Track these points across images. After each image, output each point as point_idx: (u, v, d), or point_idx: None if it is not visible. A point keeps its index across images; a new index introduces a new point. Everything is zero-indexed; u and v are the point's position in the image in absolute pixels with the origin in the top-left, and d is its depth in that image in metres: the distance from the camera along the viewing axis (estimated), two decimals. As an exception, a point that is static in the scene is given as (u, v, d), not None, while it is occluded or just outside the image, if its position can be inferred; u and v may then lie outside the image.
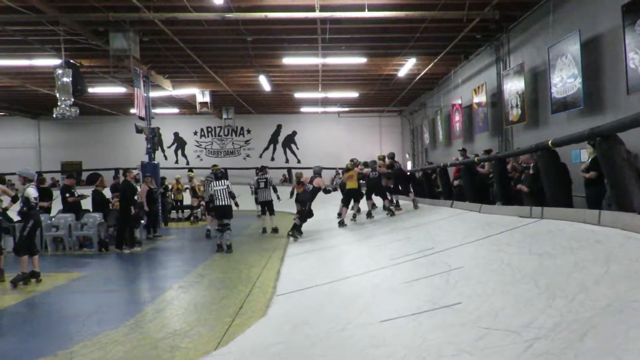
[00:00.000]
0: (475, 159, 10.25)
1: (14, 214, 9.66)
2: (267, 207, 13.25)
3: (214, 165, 13.54)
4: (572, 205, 6.87)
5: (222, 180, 10.63)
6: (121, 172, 11.21)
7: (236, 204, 10.73)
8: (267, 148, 27.35)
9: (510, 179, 9.05)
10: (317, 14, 10.61)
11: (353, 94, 20.96)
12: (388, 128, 27.15)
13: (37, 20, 10.74)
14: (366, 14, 10.56)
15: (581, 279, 3.39)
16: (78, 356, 4.38)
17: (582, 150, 8.73)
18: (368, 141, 26.43)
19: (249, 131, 27.37)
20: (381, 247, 7.83)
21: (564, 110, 9.57)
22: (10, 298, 6.77)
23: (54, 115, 11.87)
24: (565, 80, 9.39)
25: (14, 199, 8.06)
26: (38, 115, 25.22)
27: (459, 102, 16.24)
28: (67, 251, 10.83)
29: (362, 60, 15.07)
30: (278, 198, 13.61)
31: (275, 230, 13.00)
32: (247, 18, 10.97)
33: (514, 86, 11.84)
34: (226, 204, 10.43)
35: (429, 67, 15.87)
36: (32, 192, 7.67)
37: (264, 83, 17.34)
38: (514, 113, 11.87)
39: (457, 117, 16.58)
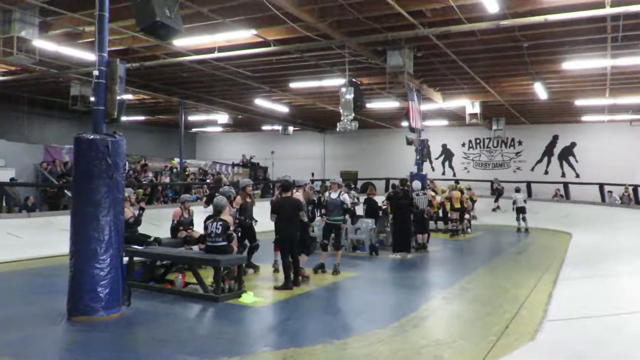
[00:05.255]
0: None
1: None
2: None
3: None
4: None
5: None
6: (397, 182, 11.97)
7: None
8: (540, 161, 25.33)
9: None
10: (607, 10, 9.35)
11: (651, 99, 17.87)
12: (701, 138, 22.28)
13: (327, 46, 12.18)
14: (673, 4, 8.91)
15: None
16: (351, 348, 4.80)
17: None
18: (671, 154, 22.22)
19: (520, 142, 25.81)
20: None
21: None
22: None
23: (337, 129, 13.30)
24: None
25: None
26: (324, 129, 28.58)
27: None
28: (343, 252, 11.89)
29: (664, 58, 12.75)
30: None
31: None
32: (524, 23, 10.38)
33: None
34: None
35: None
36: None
37: (540, 91, 16.15)
38: None
39: None
